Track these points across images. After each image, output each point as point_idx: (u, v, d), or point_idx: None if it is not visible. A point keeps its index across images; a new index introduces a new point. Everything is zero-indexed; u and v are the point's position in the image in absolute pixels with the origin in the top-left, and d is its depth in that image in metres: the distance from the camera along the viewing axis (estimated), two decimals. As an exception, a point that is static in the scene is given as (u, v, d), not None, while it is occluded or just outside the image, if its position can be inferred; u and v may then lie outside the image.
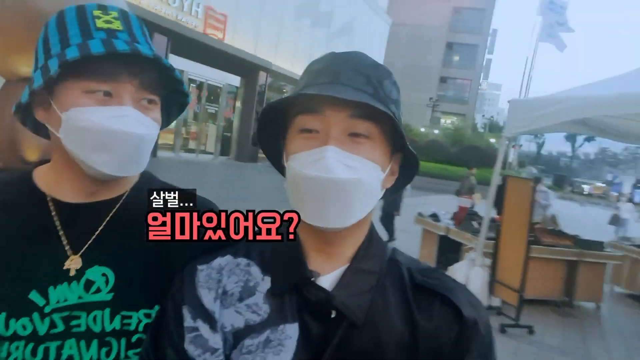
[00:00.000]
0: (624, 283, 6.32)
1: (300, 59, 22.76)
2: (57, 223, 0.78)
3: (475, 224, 5.71)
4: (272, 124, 0.76)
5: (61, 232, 0.78)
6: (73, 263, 0.77)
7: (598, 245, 5.63)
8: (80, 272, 0.77)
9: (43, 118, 0.77)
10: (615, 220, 11.14)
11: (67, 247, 0.77)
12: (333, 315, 0.67)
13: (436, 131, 42.76)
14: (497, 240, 4.89)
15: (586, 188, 44.52)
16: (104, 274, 0.78)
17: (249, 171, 17.48)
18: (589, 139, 51.06)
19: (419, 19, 45.91)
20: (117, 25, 0.74)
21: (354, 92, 0.65)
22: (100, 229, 0.79)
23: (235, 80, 20.00)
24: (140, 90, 0.74)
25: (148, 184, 0.86)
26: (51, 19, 0.77)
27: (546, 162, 69.01)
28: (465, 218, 6.06)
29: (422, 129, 42.89)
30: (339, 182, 0.63)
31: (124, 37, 0.74)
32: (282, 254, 0.72)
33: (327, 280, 0.69)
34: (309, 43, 23.36)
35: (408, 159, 0.75)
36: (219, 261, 0.74)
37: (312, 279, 0.69)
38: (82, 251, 0.78)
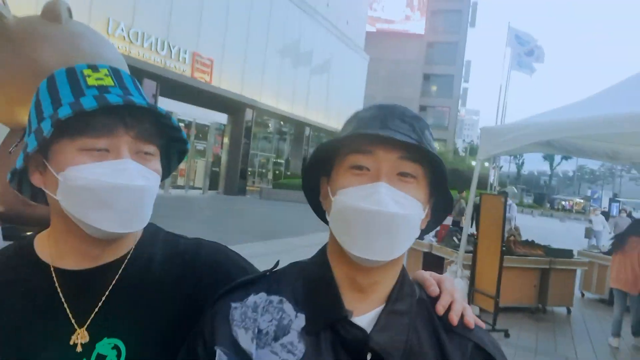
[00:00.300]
0: (593, 288, 6.89)
1: (284, 95, 23.74)
2: (61, 295, 0.73)
3: (455, 239, 6.25)
4: (318, 163, 0.79)
5: (65, 305, 0.73)
6: (80, 337, 0.72)
7: (567, 253, 6.23)
8: (89, 347, 0.72)
9: (39, 182, 0.73)
10: (589, 233, 11.80)
11: (73, 320, 0.73)
12: (369, 358, 0.67)
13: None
14: (475, 252, 5.41)
15: (565, 204, 45.73)
16: (115, 347, 0.73)
17: (239, 204, 17.93)
18: (566, 158, 52.73)
19: (395, 54, 47.94)
20: (108, 81, 0.73)
21: (403, 137, 0.69)
22: (105, 295, 0.75)
23: (222, 118, 20.75)
24: (137, 141, 0.71)
25: (153, 238, 0.84)
26: (42, 83, 0.76)
27: (527, 182, 70.74)
28: (447, 234, 6.61)
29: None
30: (389, 215, 0.66)
31: (116, 92, 0.72)
32: (316, 292, 0.72)
33: (362, 321, 0.70)
34: (292, 80, 24.42)
35: (438, 203, 0.78)
36: (253, 298, 0.73)
37: (348, 318, 0.69)
38: (87, 323, 0.73)
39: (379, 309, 0.71)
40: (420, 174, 0.71)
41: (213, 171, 20.79)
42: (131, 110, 0.70)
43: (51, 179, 0.71)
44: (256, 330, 0.69)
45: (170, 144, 0.82)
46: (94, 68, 0.74)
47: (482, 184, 38.85)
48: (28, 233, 0.91)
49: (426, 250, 6.60)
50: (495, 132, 5.58)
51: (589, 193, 55.85)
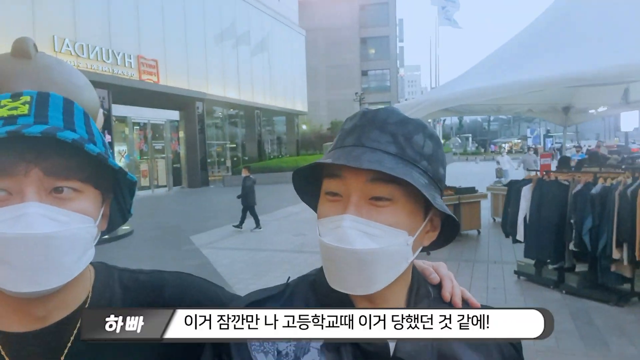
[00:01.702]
0: (499, 214, 8.97)
1: (230, 82, 24.68)
2: None
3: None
4: (308, 184, 0.74)
5: None
6: None
7: (471, 190, 8.21)
8: None
9: None
10: (499, 173, 13.45)
11: None
12: None
13: (367, 122, 45.83)
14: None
15: (505, 146, 49.60)
16: None
17: (205, 194, 19.16)
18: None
19: (330, 22, 48.88)
20: (22, 110, 0.59)
21: (374, 155, 0.62)
22: (62, 358, 0.63)
23: (175, 114, 21.57)
24: (47, 179, 0.57)
25: (107, 280, 0.72)
26: None
27: (472, 129, 74.87)
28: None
29: (354, 123, 45.90)
30: (355, 253, 0.60)
31: (24, 121, 0.58)
32: (331, 305, 0.66)
33: None
34: (234, 67, 25.31)
35: (446, 217, 0.69)
36: None
37: None
38: None
39: None
40: (398, 194, 0.62)
41: (175, 167, 21.71)
42: (33, 143, 0.56)
43: None
44: (276, 353, 0.66)
45: (114, 178, 0.68)
46: (16, 96, 0.62)
47: None
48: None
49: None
50: (404, 107, 7.30)
51: (528, 132, 60.09)
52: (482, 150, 51.83)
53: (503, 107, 8.38)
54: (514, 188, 5.66)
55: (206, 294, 0.77)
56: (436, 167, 0.68)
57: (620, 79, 4.86)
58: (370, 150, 0.63)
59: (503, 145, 51.78)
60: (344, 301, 0.68)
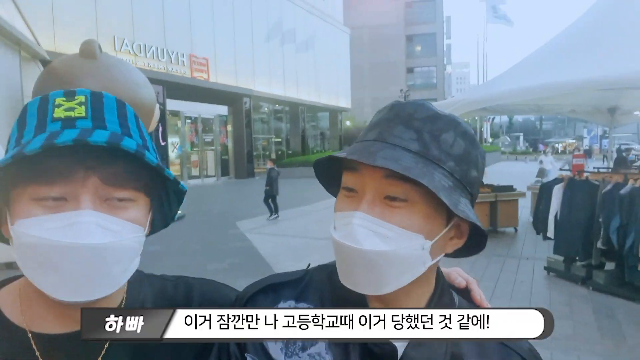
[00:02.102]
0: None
1: (275, 79, 25.45)
2: None
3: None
4: (331, 177, 0.71)
5: None
6: None
7: (508, 188, 8.31)
8: None
9: (7, 233, 0.60)
10: (541, 173, 13.18)
11: None
12: None
13: (411, 120, 45.53)
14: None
15: (559, 147, 47.69)
16: None
17: (250, 185, 19.99)
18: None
19: (376, 20, 48.82)
20: (79, 111, 0.59)
21: (392, 152, 0.58)
22: (101, 358, 0.64)
23: (223, 109, 22.59)
24: (104, 187, 0.57)
25: (139, 286, 0.73)
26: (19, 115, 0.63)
27: (523, 128, 72.31)
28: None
29: (398, 120, 45.75)
30: (363, 253, 0.58)
31: (83, 125, 0.58)
32: (344, 301, 0.65)
33: None
34: (280, 65, 26.06)
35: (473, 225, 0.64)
36: (282, 306, 0.69)
37: None
38: None
39: None
40: (414, 195, 0.58)
41: (223, 159, 22.76)
42: (93, 150, 0.55)
43: (9, 232, 0.58)
44: (285, 341, 0.67)
45: (164, 186, 0.68)
46: (70, 95, 0.61)
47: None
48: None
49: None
50: (443, 105, 7.54)
51: (584, 132, 57.44)
52: (531, 150, 50.03)
53: (544, 107, 8.39)
54: (545, 187, 5.81)
55: (228, 299, 0.78)
56: (466, 169, 0.62)
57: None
58: (390, 147, 0.60)
59: (555, 144, 49.77)
60: (358, 297, 0.64)
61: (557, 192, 5.44)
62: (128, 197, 0.60)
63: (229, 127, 23.27)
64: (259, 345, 0.67)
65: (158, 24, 17.53)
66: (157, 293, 0.75)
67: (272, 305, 0.70)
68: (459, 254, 0.69)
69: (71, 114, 0.59)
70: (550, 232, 5.55)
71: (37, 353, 0.62)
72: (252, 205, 13.24)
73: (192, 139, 21.08)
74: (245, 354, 0.68)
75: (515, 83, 6.47)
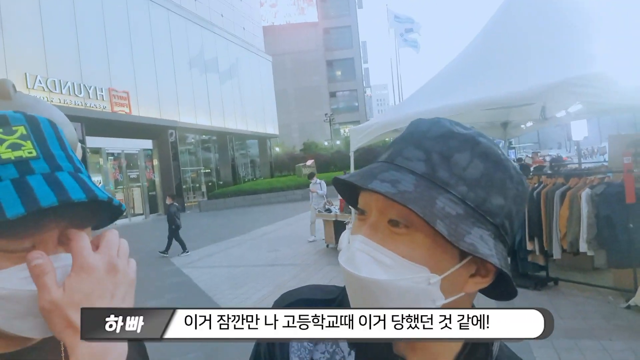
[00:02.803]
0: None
1: (200, 108, 25.41)
2: None
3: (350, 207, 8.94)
4: (354, 192, 0.65)
5: None
6: None
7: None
8: None
9: None
10: None
11: None
12: None
13: (338, 142, 47.20)
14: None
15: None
16: None
17: (182, 220, 19.60)
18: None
19: (296, 46, 50.50)
20: (28, 149, 0.55)
21: (393, 174, 0.54)
22: None
23: (148, 143, 22.08)
24: (68, 229, 0.58)
25: None
26: None
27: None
28: (345, 205, 9.31)
29: (326, 143, 47.15)
30: (360, 280, 0.55)
31: (42, 168, 0.55)
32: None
33: None
34: (204, 92, 26.10)
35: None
36: None
37: None
38: None
39: None
40: (418, 222, 0.53)
41: (150, 195, 22.09)
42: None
43: None
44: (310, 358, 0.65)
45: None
46: (6, 126, 0.55)
47: None
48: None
49: (334, 219, 9.25)
50: (357, 131, 8.23)
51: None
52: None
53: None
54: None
55: None
56: (485, 195, 0.55)
57: (523, 101, 5.89)
58: (395, 168, 0.56)
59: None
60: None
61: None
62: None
63: (155, 162, 22.74)
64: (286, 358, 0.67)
65: (73, 57, 16.99)
66: None
67: None
68: (488, 294, 0.63)
69: (21, 153, 0.55)
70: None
71: None
72: (185, 239, 13.10)
73: (116, 176, 20.33)
74: None
75: (419, 106, 7.27)
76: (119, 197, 20.35)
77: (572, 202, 4.95)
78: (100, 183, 19.13)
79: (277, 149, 41.40)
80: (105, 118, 17.86)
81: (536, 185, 5.52)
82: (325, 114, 45.37)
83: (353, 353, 0.64)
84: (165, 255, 10.39)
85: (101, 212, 0.64)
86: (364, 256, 0.56)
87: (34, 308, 0.54)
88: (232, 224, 15.78)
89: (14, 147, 0.55)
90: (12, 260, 0.55)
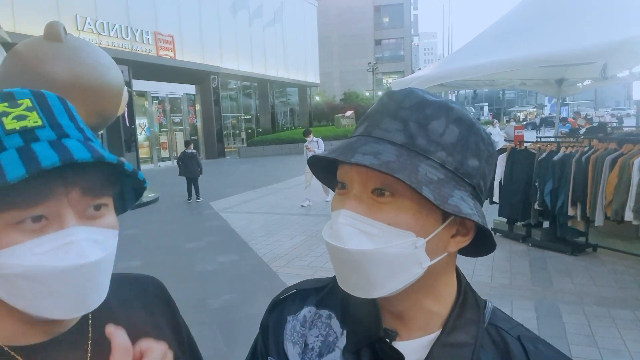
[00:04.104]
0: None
1: (243, 56, 25.28)
2: None
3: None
4: (329, 172, 0.67)
5: None
6: None
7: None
8: None
9: None
10: None
11: None
12: None
13: (380, 92, 46.07)
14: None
15: (520, 115, 49.37)
16: None
17: (222, 165, 20.17)
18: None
19: (343, -9, 48.42)
20: (34, 119, 0.54)
21: (373, 146, 0.55)
22: (88, 356, 0.64)
23: (191, 88, 22.42)
24: (83, 198, 0.55)
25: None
26: None
27: (488, 98, 74.01)
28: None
29: (367, 93, 46.16)
30: (348, 253, 0.55)
31: (48, 136, 0.54)
32: (359, 309, 0.65)
33: (407, 346, 0.61)
34: (247, 38, 25.83)
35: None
36: (304, 312, 0.71)
37: (387, 340, 0.61)
38: None
39: (432, 337, 0.61)
40: (402, 188, 0.54)
41: (192, 139, 22.73)
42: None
43: None
44: (303, 345, 0.68)
45: (125, 180, 0.65)
46: (11, 100, 0.55)
47: None
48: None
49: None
50: (400, 84, 8.01)
51: (545, 101, 59.26)
52: (494, 120, 51.66)
53: (496, 81, 8.97)
54: (492, 156, 6.44)
55: (170, 296, 0.83)
56: (461, 159, 0.57)
57: (584, 59, 5.48)
58: (374, 141, 0.56)
59: (517, 113, 51.28)
60: (372, 304, 0.63)
61: (501, 161, 6.05)
62: (103, 204, 0.59)
63: (197, 106, 23.16)
64: (281, 350, 0.70)
65: (121, 0, 17.14)
66: (115, 292, 0.71)
67: (298, 310, 0.72)
68: (467, 253, 0.64)
69: (26, 123, 0.54)
70: (496, 197, 6.19)
71: None
72: (224, 185, 13.55)
73: (160, 120, 20.95)
74: (269, 357, 0.71)
75: (468, 60, 6.92)
76: (162, 140, 21.06)
77: (622, 169, 4.70)
78: (145, 126, 19.80)
79: (317, 98, 41.03)
80: (151, 62, 18.14)
81: (587, 149, 5.25)
82: (369, 63, 44.06)
83: (345, 332, 0.66)
84: (198, 200, 10.76)
85: (120, 184, 0.63)
86: (349, 229, 0.56)
87: (56, 285, 0.53)
88: (269, 172, 16.10)
89: (19, 118, 0.54)
90: (26, 234, 0.52)
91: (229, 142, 25.55)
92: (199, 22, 21.57)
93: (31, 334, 0.61)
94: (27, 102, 0.56)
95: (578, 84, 8.96)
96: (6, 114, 0.54)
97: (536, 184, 5.53)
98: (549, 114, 45.74)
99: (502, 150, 6.25)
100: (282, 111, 33.85)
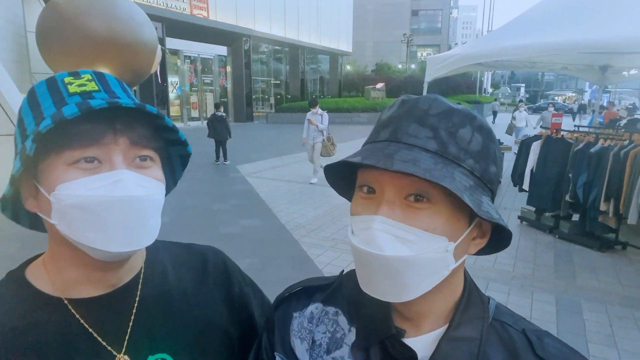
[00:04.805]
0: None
1: (276, 20, 24.89)
2: (87, 326, 0.66)
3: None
4: (342, 178, 0.69)
5: (96, 335, 0.67)
6: None
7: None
8: None
9: (34, 207, 0.65)
10: (511, 129, 12.05)
11: (109, 348, 0.67)
12: None
13: (413, 66, 44.87)
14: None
15: (558, 99, 47.55)
16: None
17: (250, 129, 20.28)
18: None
19: (383, -43, 46.57)
20: (92, 86, 0.65)
21: (410, 153, 0.56)
22: (133, 314, 0.70)
23: (223, 50, 22.34)
24: (131, 148, 0.63)
25: (157, 251, 0.79)
26: (23, 99, 0.67)
27: (526, 79, 71.36)
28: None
29: (400, 66, 45.04)
30: (385, 259, 0.55)
31: (101, 96, 0.64)
32: (368, 306, 0.66)
33: (417, 342, 0.62)
34: (281, 3, 25.34)
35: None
36: (311, 309, 0.72)
37: (399, 337, 0.63)
38: (124, 347, 0.68)
39: (438, 332, 0.63)
40: (437, 194, 0.55)
41: (222, 101, 22.86)
42: (120, 114, 0.61)
43: (44, 201, 0.62)
44: (310, 342, 0.69)
45: (171, 149, 0.74)
46: (75, 75, 0.66)
47: (472, 88, 38.84)
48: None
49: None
50: (436, 60, 7.76)
51: (586, 86, 56.81)
52: (519, 103, 49.93)
53: (537, 64, 8.61)
54: (525, 143, 6.24)
55: (234, 267, 0.88)
56: (485, 166, 0.59)
57: (633, 48, 5.17)
58: (407, 147, 0.57)
59: (556, 97, 49.33)
60: (381, 304, 0.64)
61: (535, 148, 5.87)
62: (149, 156, 0.66)
63: (228, 68, 23.13)
64: (288, 346, 0.71)
65: (156, -44, 16.99)
66: (173, 258, 0.81)
67: (304, 306, 0.74)
68: (481, 252, 0.66)
69: (85, 88, 0.65)
70: (526, 185, 6.05)
71: (77, 316, 0.66)
72: (251, 149, 13.65)
73: (191, 80, 21.07)
74: (275, 353, 0.72)
75: (509, 40, 6.65)
76: (193, 100, 21.23)
77: (664, 167, 4.50)
78: (177, 84, 19.95)
79: (348, 67, 40.28)
80: (184, 20, 18.08)
81: (626, 143, 5.04)
82: (404, 34, 42.85)
83: (353, 330, 0.68)
84: (226, 163, 10.93)
85: (166, 142, 0.71)
86: (386, 236, 0.56)
87: (105, 215, 0.60)
88: (296, 139, 16.07)
89: (80, 85, 0.65)
90: (81, 172, 0.60)
91: (257, 107, 25.59)
92: (235, -18, 21.25)
93: (87, 287, 0.68)
94: (87, 76, 0.67)
95: (624, 72, 8.53)
96: (70, 83, 0.65)
97: (570, 175, 5.37)
98: (589, 100, 43.87)
99: (537, 137, 6.06)
100: (312, 78, 33.49)
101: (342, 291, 0.73)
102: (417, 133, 0.58)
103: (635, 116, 13.36)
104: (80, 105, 0.59)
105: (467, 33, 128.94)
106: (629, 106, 22.36)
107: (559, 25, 5.87)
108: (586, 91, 52.88)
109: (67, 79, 0.65)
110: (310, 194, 8.02)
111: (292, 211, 6.87)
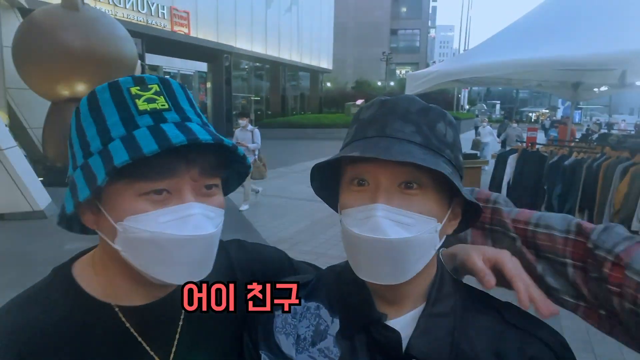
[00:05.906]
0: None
1: (257, 37, 25.09)
2: (136, 334, 0.68)
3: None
4: (325, 175, 0.72)
5: (144, 344, 0.68)
6: None
7: (473, 156, 8.92)
8: None
9: (92, 224, 0.65)
10: (477, 145, 11.69)
11: (156, 358, 0.68)
12: None
13: (392, 83, 45.67)
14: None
15: (532, 116, 48.94)
16: None
17: (230, 145, 20.20)
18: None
19: (362, -23, 47.68)
20: (161, 102, 0.62)
21: (401, 146, 0.61)
22: (180, 323, 0.72)
23: (203, 66, 22.36)
24: (200, 178, 0.62)
25: (221, 250, 0.75)
26: (82, 101, 0.65)
27: (502, 96, 73.33)
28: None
29: (379, 83, 45.78)
30: (389, 242, 0.60)
31: (173, 118, 0.62)
32: (349, 296, 0.70)
33: (398, 323, 0.67)
34: (262, 19, 25.61)
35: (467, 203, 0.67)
36: (292, 306, 0.74)
37: (382, 321, 0.67)
38: (172, 355, 0.70)
39: (417, 311, 0.68)
40: (427, 181, 0.62)
41: (202, 117, 22.79)
42: (194, 144, 0.59)
43: (107, 224, 0.62)
44: (295, 336, 0.71)
45: (231, 166, 0.73)
46: (142, 84, 0.63)
47: (450, 104, 39.56)
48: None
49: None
50: (415, 77, 7.94)
51: (559, 103, 58.66)
52: (504, 119, 51.16)
53: (512, 81, 8.88)
54: (502, 156, 6.41)
55: (273, 256, 0.92)
56: (457, 155, 0.67)
57: (604, 65, 5.41)
58: (397, 141, 0.62)
59: (529, 113, 50.70)
60: (363, 289, 0.68)
61: (511, 162, 6.02)
62: (215, 184, 0.65)
63: (209, 84, 23.12)
64: (273, 343, 0.72)
65: (137, -27, 17.02)
66: (223, 258, 0.80)
67: None
68: (456, 231, 0.72)
69: (155, 105, 0.62)
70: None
71: (127, 325, 0.67)
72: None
73: (171, 96, 20.94)
74: (260, 351, 0.73)
75: (487, 57, 6.84)
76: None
77: (633, 179, 4.67)
78: (156, 100, 19.76)
79: (329, 84, 40.73)
80: (165, 37, 18.07)
81: (599, 156, 5.22)
82: (383, 53, 43.60)
83: (336, 320, 0.71)
84: None
85: (229, 166, 0.71)
86: (388, 222, 0.61)
87: (175, 252, 0.60)
88: (277, 155, 16.09)
89: (149, 100, 0.63)
90: (151, 204, 0.60)
91: (237, 123, 25.55)
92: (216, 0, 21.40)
93: (137, 296, 0.68)
94: (155, 87, 0.64)
95: (594, 89, 8.85)
96: (139, 97, 0.62)
97: (545, 187, 5.51)
98: (562, 116, 45.29)
99: (513, 151, 6.21)
100: (292, 95, 33.71)
101: (320, 287, 0.76)
102: (402, 128, 0.64)
103: (602, 131, 13.79)
104: (156, 136, 0.58)
105: (445, 52, 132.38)
106: (596, 122, 23.33)
107: (535, 43, 6.07)
108: (559, 108, 54.65)
109: (133, 90, 0.63)
110: (292, 209, 8.00)
111: (274, 226, 6.84)
